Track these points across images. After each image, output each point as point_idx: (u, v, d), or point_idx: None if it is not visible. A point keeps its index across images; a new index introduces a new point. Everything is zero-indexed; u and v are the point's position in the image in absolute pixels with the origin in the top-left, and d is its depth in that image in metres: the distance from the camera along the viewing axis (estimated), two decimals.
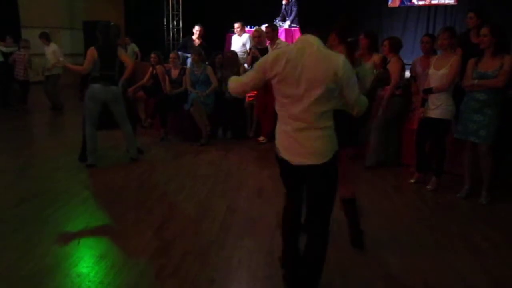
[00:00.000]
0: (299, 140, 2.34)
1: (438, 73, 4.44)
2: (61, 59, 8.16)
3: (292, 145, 2.37)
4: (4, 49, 9.21)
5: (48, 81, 9.10)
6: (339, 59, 2.24)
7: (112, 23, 5.40)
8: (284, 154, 2.42)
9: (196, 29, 8.37)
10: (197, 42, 8.32)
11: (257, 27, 7.89)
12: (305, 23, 2.42)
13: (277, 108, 2.43)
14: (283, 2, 10.08)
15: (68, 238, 3.44)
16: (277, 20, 9.91)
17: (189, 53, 8.01)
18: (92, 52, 5.08)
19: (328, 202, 2.50)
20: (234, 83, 2.55)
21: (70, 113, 9.14)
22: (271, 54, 2.40)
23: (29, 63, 9.04)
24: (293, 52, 2.27)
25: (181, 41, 10.26)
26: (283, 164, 2.47)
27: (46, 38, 8.91)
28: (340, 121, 2.44)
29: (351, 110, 2.41)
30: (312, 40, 2.29)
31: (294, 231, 2.69)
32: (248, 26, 9.31)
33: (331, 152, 2.36)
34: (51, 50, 8.83)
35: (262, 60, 2.41)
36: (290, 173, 2.50)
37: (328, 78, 2.21)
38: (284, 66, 2.26)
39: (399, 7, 12.11)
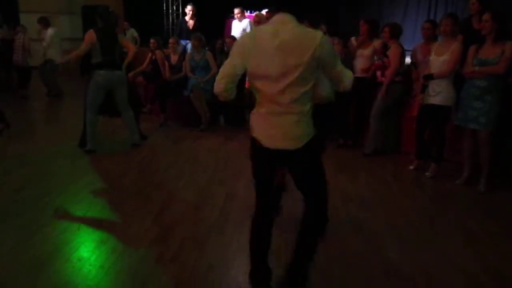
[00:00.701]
0: (275, 124, 2.25)
1: (439, 59, 4.42)
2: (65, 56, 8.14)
3: (268, 129, 2.28)
4: None
5: (45, 66, 8.98)
6: (316, 34, 2.17)
7: (111, 10, 5.34)
8: (261, 138, 2.31)
9: (189, 9, 8.33)
10: (191, 23, 8.26)
11: (257, 12, 7.84)
12: (283, 2, 2.23)
13: (253, 90, 2.32)
14: None
15: (68, 223, 3.45)
16: None
17: (186, 39, 7.98)
18: (91, 34, 5.00)
19: (315, 186, 2.42)
20: (216, 83, 2.29)
21: (68, 99, 9.11)
22: (244, 36, 2.36)
23: (28, 48, 8.96)
24: (268, 32, 2.18)
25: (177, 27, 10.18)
26: (258, 148, 2.33)
27: (45, 23, 8.83)
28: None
29: (337, 86, 2.32)
30: (288, 18, 2.19)
31: (265, 246, 2.49)
32: (248, 12, 9.23)
33: (307, 136, 2.28)
34: (49, 34, 8.76)
35: (236, 44, 2.31)
36: (265, 158, 2.36)
37: (308, 54, 2.12)
38: (257, 46, 2.18)
39: None
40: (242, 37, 2.38)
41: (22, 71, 9.09)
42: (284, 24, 2.18)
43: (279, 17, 2.21)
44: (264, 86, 2.22)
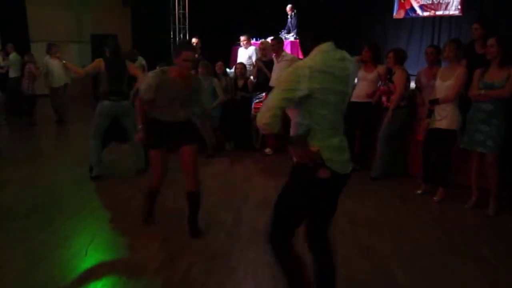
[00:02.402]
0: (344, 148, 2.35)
1: (445, 84, 4.45)
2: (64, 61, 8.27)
3: (340, 155, 2.33)
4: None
5: (56, 92, 9.09)
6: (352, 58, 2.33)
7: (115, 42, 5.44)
8: (337, 165, 2.28)
9: (193, 42, 8.46)
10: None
11: (263, 39, 7.96)
12: (323, 32, 2.26)
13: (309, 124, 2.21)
14: (288, 15, 10.18)
15: (75, 249, 3.45)
16: (282, 33, 10.00)
17: None
18: (99, 61, 5.12)
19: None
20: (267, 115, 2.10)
21: (77, 124, 9.22)
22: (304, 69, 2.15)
23: (35, 76, 9.10)
24: (331, 61, 2.19)
25: None
26: (327, 182, 2.27)
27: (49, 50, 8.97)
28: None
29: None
30: (332, 46, 2.25)
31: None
32: (254, 39, 9.38)
33: None
34: (56, 62, 8.86)
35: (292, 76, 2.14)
36: (330, 190, 2.37)
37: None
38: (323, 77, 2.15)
39: (404, 18, 12.13)
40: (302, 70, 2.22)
41: (28, 98, 9.19)
42: (336, 51, 2.27)
43: (328, 45, 2.23)
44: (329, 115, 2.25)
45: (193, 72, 3.77)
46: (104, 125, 5.16)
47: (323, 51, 2.20)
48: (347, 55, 2.28)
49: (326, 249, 2.46)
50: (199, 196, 3.69)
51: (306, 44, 2.32)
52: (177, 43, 3.56)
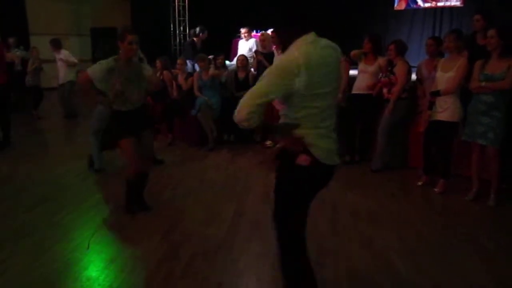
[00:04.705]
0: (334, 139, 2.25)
1: (446, 75, 4.44)
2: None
3: (329, 144, 2.23)
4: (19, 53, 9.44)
5: (63, 88, 9.13)
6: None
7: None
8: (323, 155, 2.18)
9: (197, 30, 8.49)
10: (199, 44, 8.44)
11: (263, 31, 7.93)
12: (309, 22, 2.17)
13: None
14: None
15: (77, 242, 3.47)
16: None
17: (193, 59, 8.11)
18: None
19: None
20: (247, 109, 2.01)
21: (83, 119, 9.22)
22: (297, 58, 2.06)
23: (40, 68, 9.15)
24: (318, 52, 2.11)
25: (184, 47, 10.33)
26: (312, 169, 2.17)
27: (55, 45, 8.99)
28: None
29: None
30: (315, 36, 2.17)
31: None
32: (255, 31, 9.34)
33: None
34: (65, 56, 8.89)
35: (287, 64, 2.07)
36: (312, 180, 2.25)
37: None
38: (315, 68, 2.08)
39: (405, 9, 12.09)
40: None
41: (35, 91, 9.24)
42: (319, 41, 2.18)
43: (313, 36, 2.16)
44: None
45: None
46: (102, 124, 5.18)
47: (308, 42, 2.11)
48: (330, 43, 2.21)
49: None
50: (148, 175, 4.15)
51: (287, 36, 2.20)
52: (121, 28, 3.64)
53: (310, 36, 2.13)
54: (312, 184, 2.26)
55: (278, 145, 2.25)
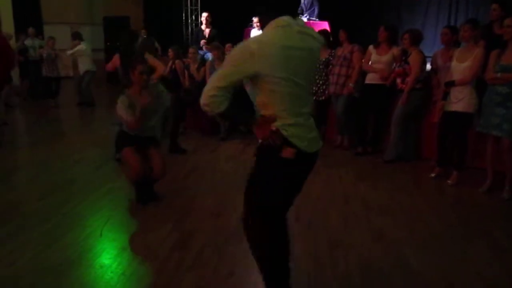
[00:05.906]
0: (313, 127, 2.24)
1: (461, 65, 4.37)
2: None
3: (308, 133, 2.20)
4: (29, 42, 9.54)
5: (83, 77, 9.29)
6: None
7: (144, 36, 5.62)
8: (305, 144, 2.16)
9: (204, 16, 8.42)
10: (206, 31, 8.34)
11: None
12: (273, 5, 2.12)
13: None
14: None
15: (90, 230, 3.51)
16: None
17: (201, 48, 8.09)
18: (116, 58, 5.61)
19: None
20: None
21: (98, 108, 9.31)
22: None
23: (52, 59, 9.24)
24: (295, 37, 2.08)
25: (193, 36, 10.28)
26: (293, 162, 2.14)
27: (78, 37, 9.29)
28: None
29: None
30: (290, 19, 2.10)
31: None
32: None
33: None
34: (83, 47, 9.11)
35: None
36: (297, 170, 2.23)
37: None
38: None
39: None
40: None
41: (53, 80, 9.34)
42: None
43: (289, 19, 2.10)
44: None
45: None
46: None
47: (278, 26, 2.05)
48: (309, 29, 2.17)
49: (284, 230, 2.39)
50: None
51: (261, 19, 2.19)
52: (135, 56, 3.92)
53: (283, 20, 2.06)
54: (297, 174, 2.26)
55: (259, 140, 2.23)
